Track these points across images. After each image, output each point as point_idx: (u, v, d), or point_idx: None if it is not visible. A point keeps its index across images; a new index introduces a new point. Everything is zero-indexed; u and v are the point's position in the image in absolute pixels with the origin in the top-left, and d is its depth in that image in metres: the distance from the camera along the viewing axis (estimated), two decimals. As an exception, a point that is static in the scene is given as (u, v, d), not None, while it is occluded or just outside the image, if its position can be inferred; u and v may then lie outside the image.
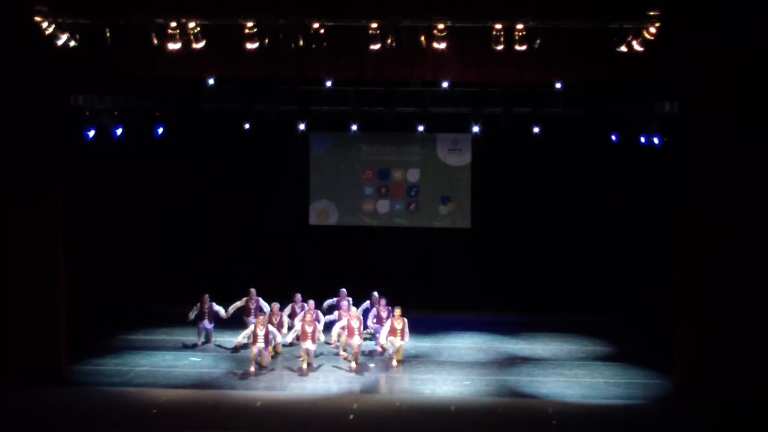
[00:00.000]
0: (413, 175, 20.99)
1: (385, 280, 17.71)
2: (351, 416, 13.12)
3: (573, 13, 13.09)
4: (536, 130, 18.46)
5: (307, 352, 15.66)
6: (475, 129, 18.82)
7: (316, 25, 13.14)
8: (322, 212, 21.04)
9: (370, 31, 13.13)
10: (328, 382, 14.86)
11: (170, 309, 19.06)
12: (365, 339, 16.68)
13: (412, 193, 21.04)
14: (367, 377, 15.29)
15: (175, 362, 15.94)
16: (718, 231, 13.84)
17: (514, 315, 19.30)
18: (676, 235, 14.40)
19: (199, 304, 17.07)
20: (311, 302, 16.39)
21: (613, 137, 18.57)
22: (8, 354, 14.50)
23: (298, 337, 16.03)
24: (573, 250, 20.16)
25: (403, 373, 15.50)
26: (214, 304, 17.19)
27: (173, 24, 13.03)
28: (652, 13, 12.81)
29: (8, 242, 14.49)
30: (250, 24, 13.08)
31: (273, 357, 16.08)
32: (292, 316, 16.82)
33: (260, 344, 15.51)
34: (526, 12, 12.96)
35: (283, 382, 14.87)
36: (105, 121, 16.46)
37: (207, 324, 17.14)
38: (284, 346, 16.44)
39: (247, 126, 19.13)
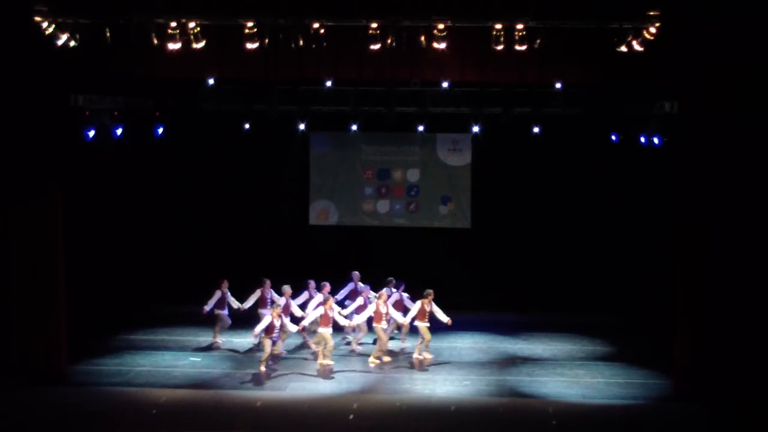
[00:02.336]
0: (413, 175, 21.00)
1: (385, 280, 17.68)
2: (351, 416, 13.12)
3: (573, 13, 13.09)
4: (536, 130, 18.47)
5: (325, 337, 15.53)
6: (475, 129, 18.82)
7: (316, 25, 13.14)
8: (322, 212, 21.04)
9: (370, 31, 13.13)
10: (328, 382, 14.85)
11: (170, 309, 19.14)
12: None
13: (412, 193, 21.05)
14: (367, 377, 15.29)
15: (175, 362, 15.94)
16: (718, 231, 13.84)
17: (514, 315, 19.31)
18: (675, 235, 14.40)
19: (219, 292, 16.77)
20: (327, 285, 16.33)
21: (613, 137, 18.58)
22: (9, 354, 14.50)
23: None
24: (573, 250, 20.17)
25: (403, 373, 15.50)
26: (229, 293, 16.94)
27: (173, 24, 13.03)
28: (652, 13, 12.82)
29: (8, 242, 14.49)
30: (250, 24, 13.09)
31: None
32: (305, 305, 16.65)
33: (275, 336, 15.43)
34: (526, 12, 12.96)
35: (283, 382, 14.87)
36: (105, 121, 16.45)
37: (224, 312, 16.90)
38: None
39: (247, 126, 19.14)
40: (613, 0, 13.08)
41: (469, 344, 17.49)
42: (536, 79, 14.47)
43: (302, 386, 14.65)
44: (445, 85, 16.52)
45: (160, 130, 18.45)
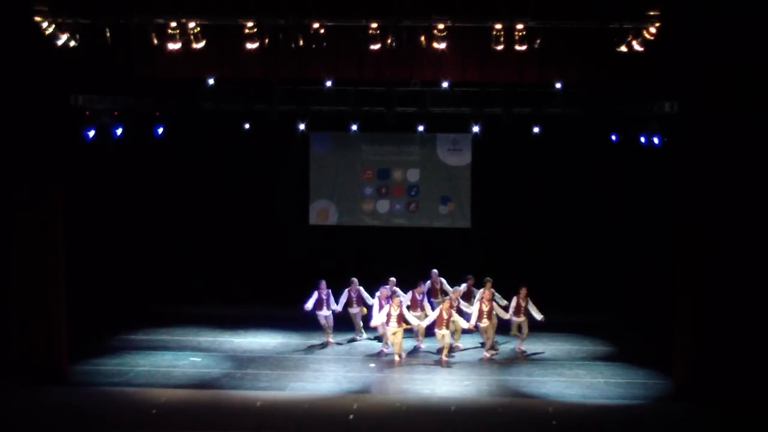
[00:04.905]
0: (413, 175, 21.01)
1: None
2: (351, 416, 13.12)
3: (573, 13, 13.09)
4: (536, 130, 18.47)
5: (443, 338, 15.98)
6: (475, 129, 18.81)
7: (316, 25, 13.14)
8: (322, 212, 21.05)
9: (370, 31, 13.12)
10: (328, 382, 14.86)
11: (170, 309, 19.13)
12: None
13: (412, 193, 21.05)
14: (367, 377, 15.29)
15: (175, 362, 15.94)
16: (718, 231, 13.84)
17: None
18: (676, 235, 14.40)
19: (317, 292, 16.93)
20: (461, 287, 17.01)
21: (613, 137, 18.58)
22: (8, 354, 14.49)
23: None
24: (573, 250, 20.17)
25: (403, 373, 15.50)
26: (330, 292, 17.10)
27: (173, 24, 13.03)
28: (652, 13, 12.81)
29: (9, 242, 14.48)
30: (250, 24, 13.09)
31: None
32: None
33: (392, 326, 15.89)
34: (526, 12, 12.96)
35: (283, 382, 14.87)
36: (105, 121, 16.46)
37: (325, 311, 17.04)
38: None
39: (247, 126, 19.13)
40: (613, 0, 13.09)
41: (469, 344, 17.47)
42: (536, 79, 14.44)
43: (302, 386, 14.65)
44: (445, 85, 16.50)
45: (160, 130, 18.45)
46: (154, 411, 13.24)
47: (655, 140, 16.80)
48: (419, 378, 15.18)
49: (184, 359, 16.15)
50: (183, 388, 14.45)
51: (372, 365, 15.96)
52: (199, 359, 16.20)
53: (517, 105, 18.40)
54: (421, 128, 18.98)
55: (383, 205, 21.03)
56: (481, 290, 16.76)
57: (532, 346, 17.36)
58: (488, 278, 16.76)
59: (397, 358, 16.10)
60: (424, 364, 16.04)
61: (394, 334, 16.03)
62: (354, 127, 18.99)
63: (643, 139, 17.13)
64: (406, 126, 19.07)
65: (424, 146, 20.84)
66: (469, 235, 20.73)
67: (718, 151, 13.78)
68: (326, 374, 15.32)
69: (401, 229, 20.88)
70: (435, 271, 17.82)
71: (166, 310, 19.16)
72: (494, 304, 16.56)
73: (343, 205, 21.01)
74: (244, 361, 16.05)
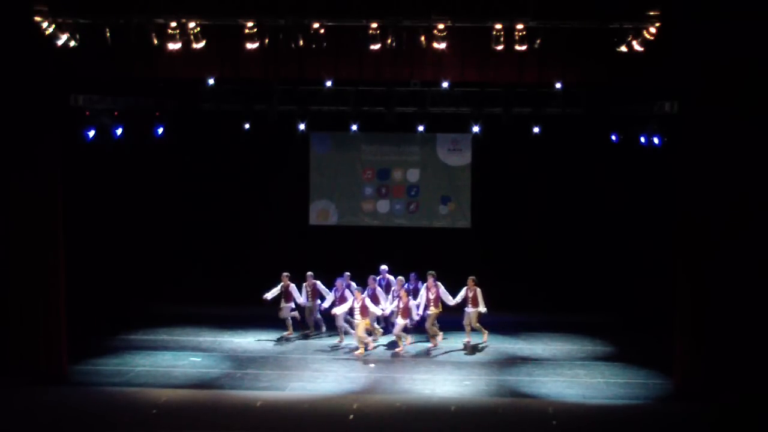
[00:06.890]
0: (413, 175, 21.01)
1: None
2: (351, 416, 13.12)
3: (573, 13, 13.09)
4: (536, 130, 18.47)
5: (405, 328, 16.72)
6: (475, 129, 18.82)
7: (316, 25, 13.15)
8: (322, 212, 21.05)
9: (370, 31, 13.13)
10: (328, 382, 14.86)
11: (170, 309, 19.13)
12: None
13: (412, 193, 21.05)
14: (367, 377, 15.29)
15: (175, 362, 15.94)
16: (718, 231, 13.84)
17: (514, 315, 19.29)
18: (676, 235, 14.40)
19: (280, 285, 17.44)
20: (401, 278, 17.24)
21: (613, 137, 18.58)
22: (8, 354, 14.50)
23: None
24: (573, 250, 20.17)
25: (403, 373, 15.50)
26: (293, 285, 17.57)
27: (173, 24, 13.04)
28: (652, 13, 12.82)
29: (8, 242, 14.48)
30: (250, 24, 13.10)
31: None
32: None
33: (356, 318, 16.39)
34: (526, 12, 12.97)
35: (283, 382, 14.87)
36: (105, 121, 16.47)
37: (289, 303, 17.54)
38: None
39: (247, 126, 19.13)
40: (613, 0, 13.09)
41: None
42: (536, 79, 14.46)
43: (302, 386, 14.65)
44: (445, 85, 16.51)
45: (160, 130, 18.44)
46: (154, 411, 13.24)
47: (655, 140, 16.80)
48: (419, 378, 15.18)
49: (184, 359, 16.15)
50: (183, 388, 14.45)
51: (372, 365, 15.97)
52: (199, 359, 16.20)
53: (517, 105, 18.41)
54: (421, 128, 18.98)
55: (383, 205, 21.04)
56: (427, 282, 17.14)
57: (530, 346, 17.37)
58: (431, 271, 17.24)
59: (359, 350, 16.47)
60: (424, 365, 16.03)
61: (358, 326, 16.43)
62: (354, 127, 19.00)
63: (643, 139, 17.14)
64: (406, 126, 19.08)
65: (424, 146, 20.84)
66: (469, 235, 20.73)
67: (718, 151, 13.78)
68: (326, 374, 15.32)
69: (401, 229, 20.89)
70: (384, 266, 18.19)
71: (166, 310, 19.17)
72: (439, 290, 16.97)
73: (343, 205, 21.01)
74: (244, 361, 16.05)
